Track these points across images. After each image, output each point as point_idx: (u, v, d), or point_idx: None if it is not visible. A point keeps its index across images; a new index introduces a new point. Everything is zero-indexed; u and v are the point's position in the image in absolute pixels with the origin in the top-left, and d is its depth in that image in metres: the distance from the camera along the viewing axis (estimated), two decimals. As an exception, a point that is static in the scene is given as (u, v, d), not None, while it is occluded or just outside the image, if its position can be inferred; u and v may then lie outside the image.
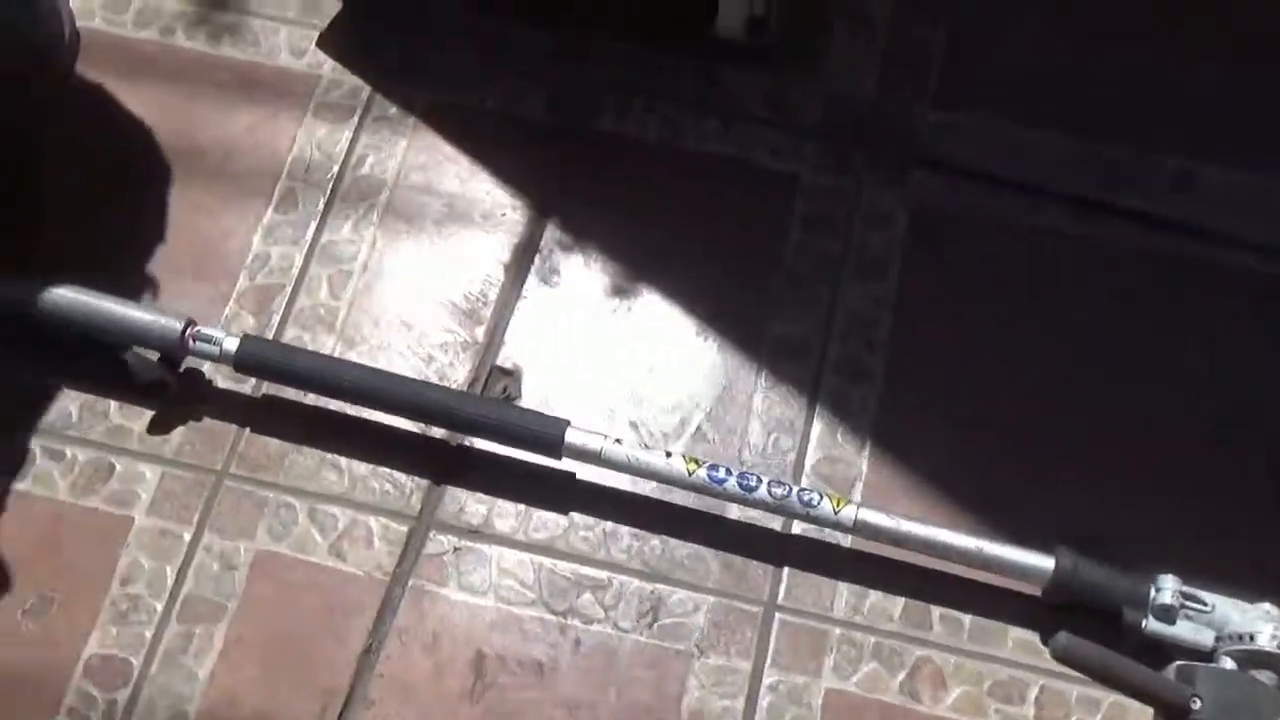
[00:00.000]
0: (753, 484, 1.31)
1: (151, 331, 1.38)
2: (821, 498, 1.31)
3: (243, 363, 1.38)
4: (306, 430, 1.42)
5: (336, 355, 1.45)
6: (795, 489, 1.31)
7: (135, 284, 1.48)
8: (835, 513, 1.30)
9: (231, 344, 1.38)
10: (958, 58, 1.61)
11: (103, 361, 1.41)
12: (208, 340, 1.38)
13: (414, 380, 1.40)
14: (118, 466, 1.40)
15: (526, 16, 1.62)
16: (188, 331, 1.38)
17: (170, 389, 1.41)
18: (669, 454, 1.34)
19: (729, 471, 1.32)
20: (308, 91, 1.59)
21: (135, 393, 1.42)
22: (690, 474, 1.32)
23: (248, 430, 1.42)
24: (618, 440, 1.34)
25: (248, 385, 1.44)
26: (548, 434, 1.35)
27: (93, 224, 1.51)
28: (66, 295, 1.38)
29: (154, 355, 1.39)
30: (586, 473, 1.40)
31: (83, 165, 1.55)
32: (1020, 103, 1.58)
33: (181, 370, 1.42)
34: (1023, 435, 1.42)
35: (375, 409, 1.40)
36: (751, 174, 1.55)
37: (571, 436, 1.34)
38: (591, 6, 1.61)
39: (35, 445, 1.40)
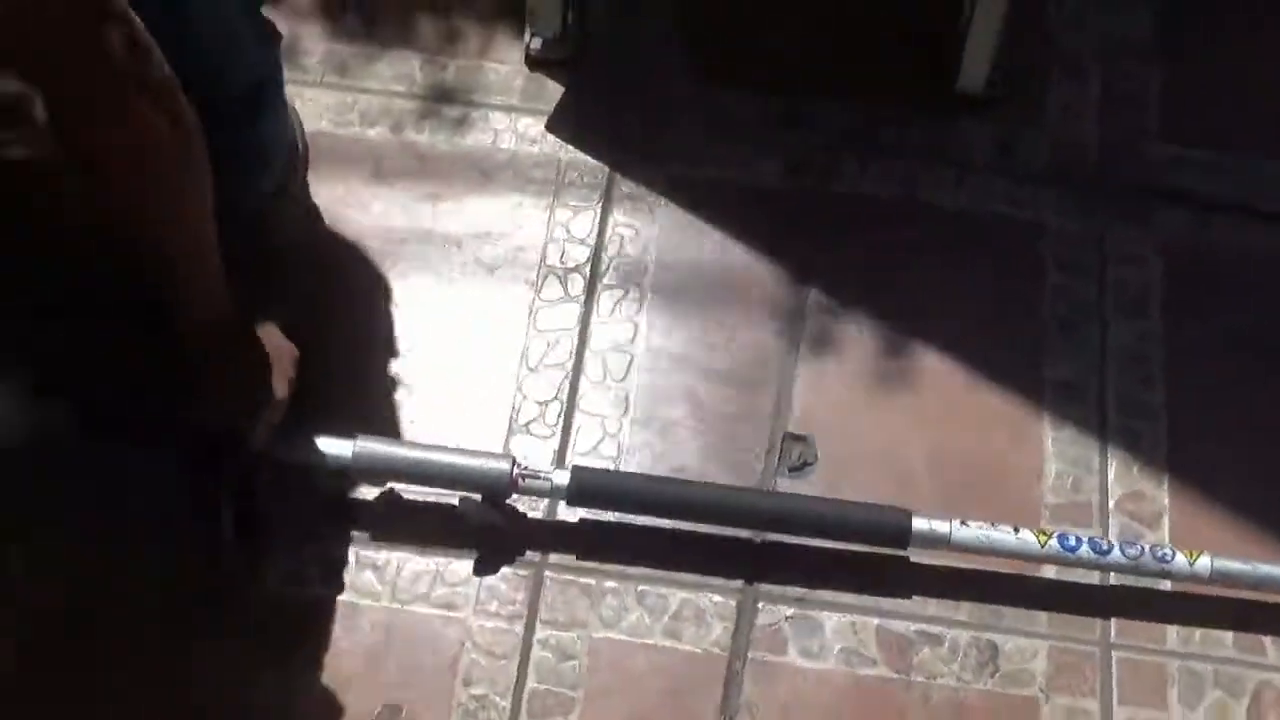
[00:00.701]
0: (1104, 548, 1.33)
1: (478, 477, 1.36)
2: (1174, 553, 1.33)
3: (575, 496, 1.37)
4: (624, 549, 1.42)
5: (633, 438, 1.46)
6: (1148, 547, 1.33)
7: (408, 406, 1.48)
8: (1190, 565, 1.33)
9: (562, 478, 1.36)
10: (1173, 94, 1.66)
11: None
12: (536, 477, 1.37)
13: (747, 491, 1.42)
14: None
15: (750, 84, 1.65)
16: (515, 471, 1.36)
17: (502, 532, 1.40)
18: (1017, 529, 1.35)
19: (1079, 539, 1.34)
20: (547, 176, 1.60)
21: (462, 536, 1.41)
22: (1042, 545, 1.34)
23: (573, 557, 1.41)
24: (963, 522, 1.35)
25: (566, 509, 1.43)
26: (894, 527, 1.35)
27: (355, 349, 1.52)
28: (382, 450, 1.36)
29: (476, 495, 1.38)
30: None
31: (328, 284, 1.54)
32: (1242, 133, 1.64)
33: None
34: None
35: (713, 524, 1.40)
36: (996, 223, 1.59)
37: (918, 525, 1.35)
38: (819, 70, 1.64)
39: (350, 555, 1.40)
